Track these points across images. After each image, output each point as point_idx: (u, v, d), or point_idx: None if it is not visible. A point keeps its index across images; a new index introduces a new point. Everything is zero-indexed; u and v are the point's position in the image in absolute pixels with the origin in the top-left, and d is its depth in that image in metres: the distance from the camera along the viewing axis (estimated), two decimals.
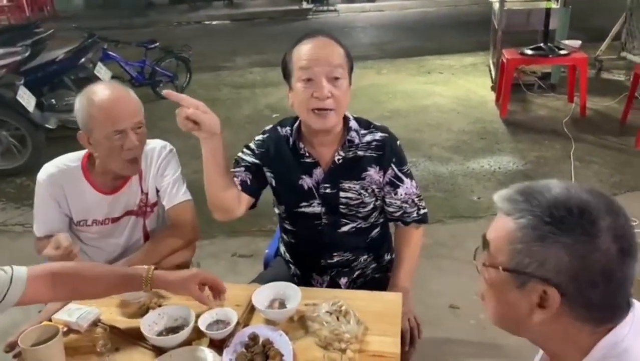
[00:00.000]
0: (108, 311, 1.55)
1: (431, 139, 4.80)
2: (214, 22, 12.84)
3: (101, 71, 5.37)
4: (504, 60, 5.18)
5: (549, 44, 5.06)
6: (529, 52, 5.06)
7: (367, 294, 1.59)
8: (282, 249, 1.98)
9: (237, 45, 9.61)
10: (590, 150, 4.41)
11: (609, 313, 0.89)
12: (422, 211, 1.82)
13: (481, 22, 8.08)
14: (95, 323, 1.48)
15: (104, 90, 1.72)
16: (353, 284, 1.85)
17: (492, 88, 5.99)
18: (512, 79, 5.20)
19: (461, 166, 4.28)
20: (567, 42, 5.28)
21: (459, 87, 6.31)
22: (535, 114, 5.32)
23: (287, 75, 1.65)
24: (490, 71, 6.51)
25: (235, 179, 1.73)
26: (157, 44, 6.35)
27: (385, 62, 7.60)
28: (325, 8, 13.03)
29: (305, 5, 13.38)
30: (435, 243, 3.14)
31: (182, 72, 6.66)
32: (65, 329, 1.45)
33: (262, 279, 1.83)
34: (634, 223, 3.52)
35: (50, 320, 1.48)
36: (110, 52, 6.00)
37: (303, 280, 1.85)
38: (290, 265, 1.93)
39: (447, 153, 4.53)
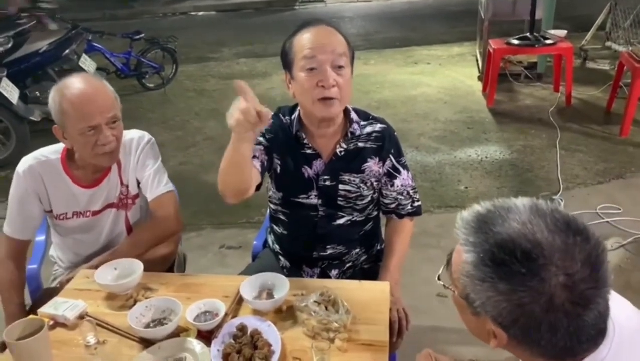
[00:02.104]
0: (95, 304, 1.54)
1: (419, 129, 4.81)
2: (200, 13, 12.69)
3: (86, 62, 5.30)
4: (491, 50, 5.19)
5: (535, 34, 5.08)
6: (515, 42, 5.07)
7: (356, 284, 1.59)
8: (271, 240, 1.98)
9: (224, 36, 9.52)
10: (576, 139, 4.44)
11: (568, 354, 0.84)
12: (415, 203, 1.83)
13: (467, 12, 8.09)
14: (82, 316, 1.47)
15: (76, 84, 1.68)
16: (342, 275, 1.85)
17: (479, 78, 6.01)
18: (499, 68, 5.21)
19: (448, 156, 4.29)
20: (552, 31, 5.30)
21: (446, 77, 6.31)
22: (522, 104, 5.34)
23: (287, 64, 1.62)
24: (477, 60, 6.53)
25: (255, 159, 1.66)
26: (143, 35, 6.27)
27: (373, 53, 7.57)
28: None
29: None
30: (423, 232, 3.16)
31: (168, 64, 6.59)
32: (51, 323, 1.44)
33: (250, 271, 1.83)
34: (618, 211, 3.57)
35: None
36: (94, 44, 5.92)
37: (293, 272, 1.84)
38: (280, 257, 1.92)
39: (434, 143, 4.54)
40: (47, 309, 1.47)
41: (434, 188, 3.82)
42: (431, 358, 1.25)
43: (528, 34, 5.10)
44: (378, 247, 1.95)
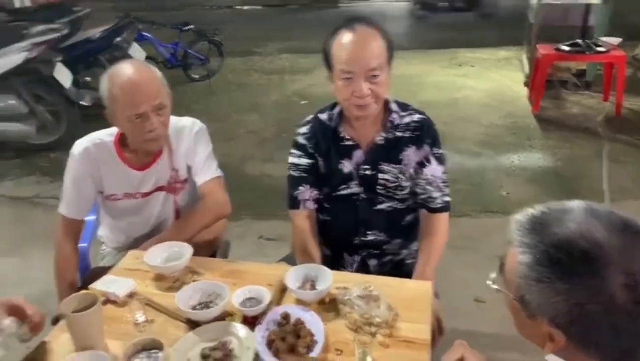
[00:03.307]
0: (143, 283, 1.59)
1: (461, 133, 4.75)
2: (246, 7, 12.85)
3: (136, 51, 5.43)
4: (539, 55, 5.09)
5: (586, 41, 4.95)
6: (566, 48, 4.96)
7: (398, 281, 1.60)
8: None
9: (268, 31, 9.62)
10: (625, 150, 4.32)
11: (628, 356, 0.82)
12: (446, 198, 1.82)
13: (515, 15, 7.93)
14: (131, 294, 1.52)
15: (125, 71, 1.72)
16: (382, 268, 1.86)
17: (525, 83, 5.90)
18: (546, 75, 5.11)
19: (491, 161, 4.24)
20: (605, 39, 5.16)
21: (490, 81, 6.22)
22: (569, 112, 5.22)
23: (328, 65, 1.68)
24: (523, 65, 6.40)
25: (308, 202, 1.82)
26: (191, 26, 6.40)
27: (416, 53, 7.52)
28: None
29: None
30: (461, 236, 3.13)
31: (214, 56, 6.70)
32: (103, 299, 1.49)
33: (290, 260, 1.86)
34: None
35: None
36: (144, 33, 6.06)
37: (332, 261, 1.86)
38: (321, 246, 1.94)
39: (476, 147, 4.49)
40: (98, 285, 1.53)
41: (475, 192, 3.77)
42: (464, 348, 1.24)
43: (579, 40, 4.97)
44: (417, 244, 1.95)
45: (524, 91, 5.74)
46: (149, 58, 5.90)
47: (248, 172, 4.18)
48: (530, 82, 5.59)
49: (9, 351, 1.24)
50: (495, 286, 0.99)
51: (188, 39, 6.52)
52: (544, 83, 5.10)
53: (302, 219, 1.84)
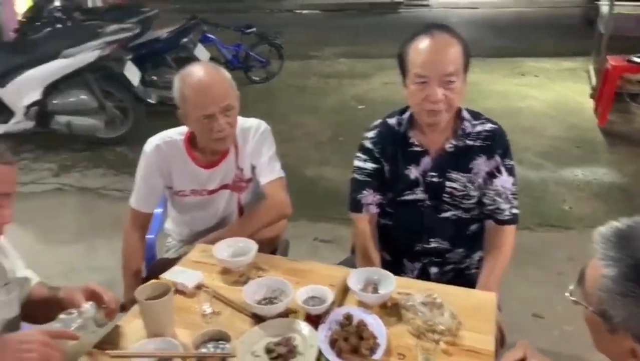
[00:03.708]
0: (210, 276, 1.63)
1: (523, 143, 4.64)
2: (305, 11, 12.99)
3: (200, 52, 5.60)
4: (608, 67, 4.91)
5: None
6: (638, 60, 4.76)
7: (461, 290, 1.58)
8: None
9: (327, 35, 9.69)
10: None
11: None
12: (514, 210, 1.79)
13: (582, 25, 7.68)
14: (199, 286, 1.57)
15: (196, 73, 1.78)
16: (443, 276, 1.85)
17: (591, 95, 5.69)
18: (616, 87, 4.92)
19: (553, 174, 4.12)
20: None
21: (554, 91, 6.04)
22: (638, 126, 5.00)
23: (402, 70, 1.69)
24: (589, 77, 6.18)
25: (370, 206, 1.84)
26: (254, 29, 6.53)
27: (477, 61, 7.36)
28: (417, 2, 12.83)
29: None
30: (521, 249, 3.00)
31: (274, 58, 6.81)
32: (173, 290, 1.54)
33: (349, 263, 1.87)
34: None
35: None
36: (209, 35, 6.24)
37: (392, 267, 1.85)
38: (381, 251, 1.94)
39: (538, 159, 4.37)
40: (168, 276, 1.59)
41: (536, 205, 3.67)
42: (526, 347, 1.21)
43: None
44: (480, 254, 1.92)
45: (590, 103, 5.54)
46: (211, 59, 6.06)
47: (304, 174, 4.23)
48: (597, 94, 5.39)
49: (86, 334, 1.31)
50: (573, 298, 0.97)
51: (249, 41, 6.66)
52: (612, 96, 4.91)
53: (364, 223, 1.85)
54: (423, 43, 1.60)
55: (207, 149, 1.92)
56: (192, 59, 5.25)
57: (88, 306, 1.33)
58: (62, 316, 1.29)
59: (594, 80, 5.80)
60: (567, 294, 0.99)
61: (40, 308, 1.45)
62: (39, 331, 1.19)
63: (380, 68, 7.21)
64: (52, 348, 1.16)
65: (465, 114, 1.75)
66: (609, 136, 4.78)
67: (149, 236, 2.07)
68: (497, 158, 1.74)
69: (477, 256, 1.91)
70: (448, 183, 1.74)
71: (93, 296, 1.37)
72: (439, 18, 11.14)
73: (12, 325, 1.38)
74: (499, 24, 10.44)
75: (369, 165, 1.83)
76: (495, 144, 1.73)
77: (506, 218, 1.78)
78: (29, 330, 1.21)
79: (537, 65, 7.16)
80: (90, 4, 7.36)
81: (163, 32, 5.35)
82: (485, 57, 7.67)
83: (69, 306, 1.34)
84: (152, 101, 4.90)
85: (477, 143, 1.73)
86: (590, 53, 6.35)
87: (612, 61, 4.88)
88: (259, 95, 6.35)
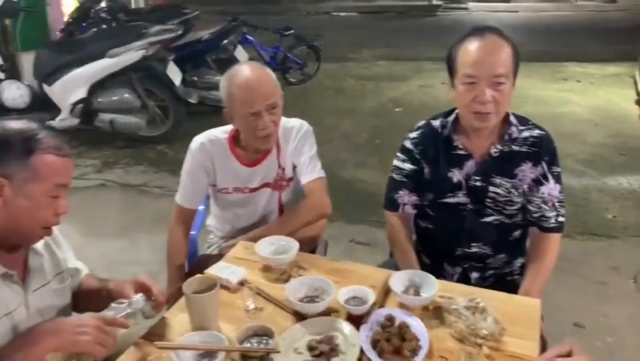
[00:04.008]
0: (252, 273, 1.66)
1: (564, 150, 4.53)
2: (342, 14, 13.03)
3: (240, 53, 5.68)
4: None
5: None
6: None
7: (504, 296, 1.56)
8: (413, 237, 2.00)
9: (364, 37, 9.69)
10: None
11: None
12: (560, 219, 1.77)
13: (628, 29, 7.47)
14: (242, 282, 1.60)
15: (243, 72, 1.83)
16: (483, 281, 1.83)
17: (637, 102, 5.53)
18: None
19: (596, 181, 4.02)
20: None
21: (598, 97, 5.90)
22: None
23: (450, 71, 1.68)
24: (635, 83, 6.01)
25: (407, 206, 1.85)
26: (292, 31, 6.58)
27: None
28: (455, 5, 12.72)
29: (435, 1, 13.14)
30: (562, 257, 2.93)
31: (311, 61, 6.85)
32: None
33: (389, 266, 1.87)
34: None
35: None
36: (248, 36, 6.31)
37: (432, 270, 1.84)
38: (420, 254, 1.94)
39: (580, 166, 4.27)
40: (213, 271, 1.62)
41: (577, 213, 3.60)
42: (574, 344, 1.19)
43: None
44: (522, 261, 1.89)
45: (635, 110, 5.39)
46: (250, 61, 6.13)
47: (341, 175, 4.23)
48: None
49: (136, 324, 1.35)
50: (636, 283, 0.95)
51: (287, 43, 6.71)
52: None
53: (397, 220, 1.88)
54: (473, 44, 1.60)
55: (250, 147, 1.95)
56: (231, 60, 5.34)
57: (139, 297, 1.37)
58: (113, 305, 1.33)
59: (639, 86, 5.64)
60: (631, 281, 0.97)
61: (89, 299, 1.50)
62: (94, 316, 1.24)
63: (418, 71, 7.18)
64: (106, 333, 1.20)
65: (513, 119, 1.73)
66: None
67: (191, 233, 2.11)
68: (544, 165, 1.71)
69: (518, 262, 1.89)
70: (491, 188, 1.72)
71: (142, 288, 1.42)
72: (478, 21, 11.01)
73: (63, 313, 1.43)
74: (539, 27, 10.25)
75: (407, 166, 1.83)
76: (542, 150, 1.71)
77: (552, 225, 1.75)
78: (83, 315, 1.26)
79: (579, 70, 7.01)
80: (133, 5, 7.55)
81: (204, 34, 5.44)
82: (525, 61, 7.50)
83: (119, 297, 1.38)
84: (192, 100, 4.99)
85: (524, 149, 1.71)
86: (637, 58, 6.18)
87: None
88: (296, 96, 6.39)
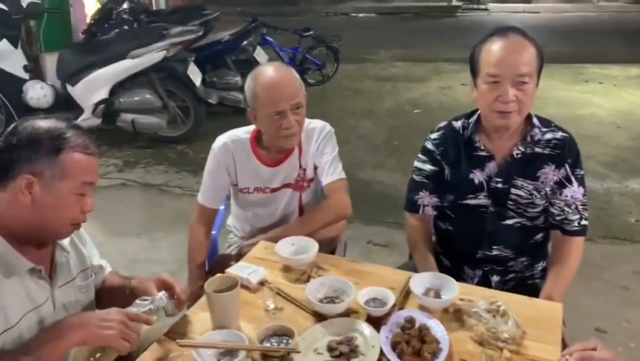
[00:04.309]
0: (272, 273, 1.67)
1: (586, 152, 4.39)
2: (360, 15, 13.00)
3: (260, 54, 5.71)
4: None
5: None
6: None
7: (526, 299, 1.55)
8: (433, 239, 1.99)
9: (382, 38, 9.66)
10: None
11: None
12: (583, 222, 1.75)
13: None
14: (262, 282, 1.61)
15: (268, 72, 1.84)
16: (504, 285, 1.81)
17: None
18: None
19: (619, 185, 3.97)
20: None
21: (621, 99, 5.82)
22: None
23: (473, 71, 1.67)
24: None
25: (427, 208, 1.85)
26: (311, 32, 6.59)
27: None
28: (475, 6, 12.62)
29: (454, 2, 13.06)
30: (584, 261, 2.88)
31: (330, 62, 6.86)
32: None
33: (408, 268, 1.87)
34: None
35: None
36: (267, 37, 6.34)
37: (452, 273, 1.83)
38: (440, 257, 1.93)
39: (603, 169, 4.22)
40: (234, 270, 1.64)
41: (599, 216, 3.55)
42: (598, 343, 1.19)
43: None
44: (542, 265, 1.88)
45: None
46: (271, 61, 6.15)
47: (360, 176, 4.23)
48: None
49: (159, 321, 1.37)
50: None
51: (306, 44, 6.73)
52: None
53: (417, 222, 1.88)
54: (497, 44, 1.59)
55: (272, 147, 1.96)
56: (251, 61, 5.37)
57: (161, 295, 1.39)
58: (138, 301, 1.35)
59: None
60: None
61: (113, 296, 1.53)
62: (119, 311, 1.26)
63: (437, 72, 7.14)
64: (130, 328, 1.22)
65: (536, 121, 1.72)
66: None
67: (212, 232, 2.13)
68: (567, 168, 1.70)
69: (540, 266, 1.87)
70: (513, 190, 1.71)
71: (165, 286, 1.44)
72: (498, 22, 10.90)
73: (88, 309, 1.46)
74: (560, 28, 10.13)
75: (427, 167, 1.83)
76: (566, 153, 1.69)
77: (575, 229, 1.73)
78: (109, 309, 1.27)
79: (601, 71, 6.91)
80: (154, 6, 7.63)
81: (224, 35, 5.48)
82: (546, 62, 7.42)
83: (142, 294, 1.40)
84: (212, 101, 5.03)
85: (546, 151, 1.69)
86: None
87: None
88: (314, 97, 6.37)
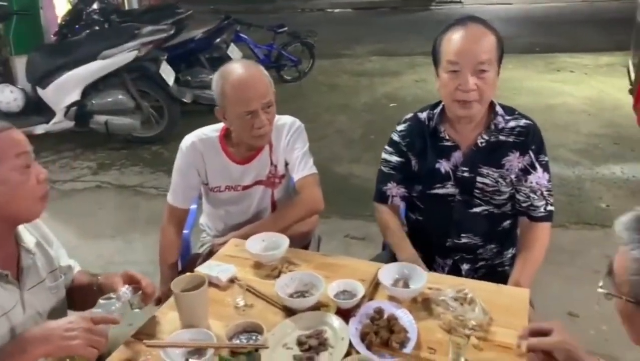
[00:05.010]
0: (243, 270, 1.67)
1: (557, 140, 4.55)
2: (336, 10, 12.98)
3: (233, 51, 5.68)
4: None
5: None
6: None
7: (493, 286, 1.57)
8: (405, 230, 2.01)
9: (358, 33, 9.67)
10: None
11: None
12: (549, 208, 1.77)
13: (621, 19, 7.47)
14: (232, 279, 1.60)
15: (237, 70, 1.82)
16: (475, 273, 1.84)
17: (630, 91, 5.51)
18: None
19: (589, 171, 4.04)
20: None
21: (591, 87, 5.91)
22: None
23: (435, 62, 1.68)
24: (629, 72, 6.00)
25: (395, 198, 1.87)
26: (286, 28, 6.57)
27: (511, 57, 7.24)
28: None
29: None
30: (556, 248, 2.95)
31: (305, 58, 6.84)
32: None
33: (381, 259, 1.88)
34: None
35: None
36: (241, 34, 6.31)
37: (424, 263, 1.86)
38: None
39: (574, 156, 4.29)
40: (203, 269, 1.63)
41: (571, 203, 3.61)
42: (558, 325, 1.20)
43: None
44: (512, 251, 1.90)
45: (629, 99, 5.36)
46: (244, 59, 6.12)
47: (336, 171, 4.24)
48: (636, 90, 5.22)
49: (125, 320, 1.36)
50: (605, 291, 0.97)
51: (282, 41, 6.71)
52: None
53: (387, 211, 1.90)
54: (457, 33, 1.61)
55: (242, 145, 1.95)
56: (224, 58, 5.33)
57: (125, 290, 1.38)
58: (101, 301, 1.34)
59: (633, 75, 5.63)
60: (599, 289, 0.98)
61: (83, 294, 1.52)
62: (83, 317, 1.24)
63: (412, 66, 7.17)
64: (97, 333, 1.21)
65: (499, 109, 1.74)
66: None
67: (184, 232, 2.12)
68: (531, 154, 1.72)
69: (509, 253, 1.90)
70: (479, 178, 1.73)
71: (131, 281, 1.43)
72: (471, 14, 10.98)
73: (59, 311, 1.45)
74: (533, 19, 10.24)
75: (394, 158, 1.84)
76: (529, 140, 1.71)
77: (541, 215, 1.76)
78: (72, 317, 1.26)
79: (573, 60, 7.01)
80: (127, 7, 7.53)
81: (197, 33, 5.43)
82: (519, 53, 7.54)
83: (108, 290, 1.39)
84: (186, 100, 5.00)
85: (510, 139, 1.72)
86: (630, 47, 6.17)
87: None
88: (290, 94, 6.39)
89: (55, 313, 1.42)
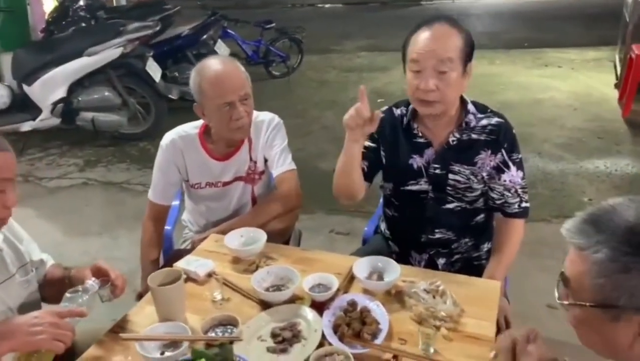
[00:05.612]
0: (221, 265, 1.69)
1: (543, 135, 4.59)
2: (327, 6, 13.01)
3: (221, 47, 5.68)
4: (633, 56, 4.80)
5: None
6: None
7: (465, 279, 1.60)
8: (383, 226, 2.04)
9: (348, 29, 9.69)
10: None
11: None
12: (524, 205, 1.79)
13: (608, 14, 7.53)
14: (210, 274, 1.63)
15: (213, 65, 1.85)
16: (450, 267, 1.86)
17: (616, 85, 5.59)
18: None
19: (573, 165, 4.07)
20: None
21: (578, 82, 5.95)
22: None
23: (403, 60, 1.70)
24: (615, 67, 6.06)
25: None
26: (273, 24, 6.58)
27: (500, 53, 7.31)
28: None
29: None
30: (538, 241, 3.04)
31: (294, 53, 6.85)
32: (184, 276, 1.60)
33: (360, 253, 1.90)
34: None
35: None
36: (229, 30, 6.31)
37: (401, 257, 1.89)
38: (390, 242, 1.98)
39: (559, 150, 4.33)
40: (181, 264, 1.65)
41: (554, 197, 3.65)
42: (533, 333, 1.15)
43: None
44: (487, 246, 1.93)
45: (614, 94, 5.45)
46: (232, 55, 6.12)
47: (322, 167, 4.25)
48: (621, 84, 5.29)
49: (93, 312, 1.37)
50: (566, 302, 0.94)
51: (270, 36, 6.71)
52: (637, 85, 4.81)
53: None
54: (422, 33, 1.62)
55: (221, 141, 1.97)
56: (212, 54, 5.32)
57: (91, 282, 1.39)
58: (68, 295, 1.35)
59: (619, 70, 5.69)
60: (558, 301, 0.96)
61: (56, 288, 1.52)
62: (49, 312, 1.26)
63: (400, 61, 7.17)
64: (63, 327, 1.22)
65: (471, 107, 1.75)
66: (634, 127, 4.70)
67: (166, 228, 2.13)
68: (504, 153, 1.73)
69: (486, 247, 1.92)
70: (451, 175, 1.75)
71: (100, 273, 1.44)
72: (462, 10, 11.04)
73: (31, 305, 1.46)
74: (522, 14, 10.30)
75: (366, 143, 1.81)
76: (501, 138, 1.72)
77: (515, 211, 1.78)
78: (37, 312, 1.27)
79: (560, 55, 7.06)
80: (114, 3, 7.51)
81: (184, 29, 5.44)
82: (508, 48, 7.60)
83: (79, 283, 1.41)
84: (173, 96, 5.00)
85: (482, 137, 1.73)
86: (616, 42, 6.23)
87: (637, 49, 4.78)
88: (278, 90, 6.41)
89: (28, 307, 1.43)
